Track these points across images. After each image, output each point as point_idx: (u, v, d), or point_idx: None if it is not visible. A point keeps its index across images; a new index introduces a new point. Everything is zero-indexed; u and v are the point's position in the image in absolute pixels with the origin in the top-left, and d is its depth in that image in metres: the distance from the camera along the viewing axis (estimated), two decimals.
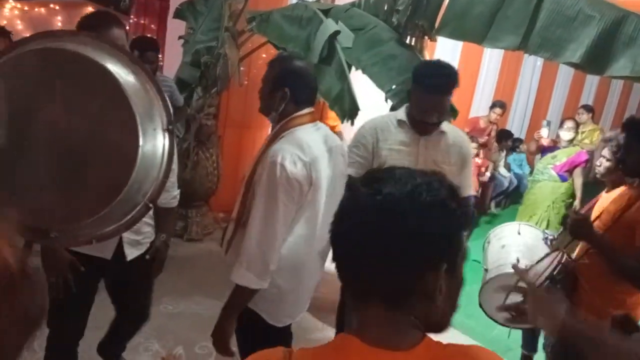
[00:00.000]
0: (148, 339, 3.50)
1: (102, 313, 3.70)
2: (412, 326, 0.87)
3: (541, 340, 3.51)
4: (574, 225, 2.53)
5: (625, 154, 2.51)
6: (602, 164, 3.09)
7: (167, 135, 1.42)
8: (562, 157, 5.56)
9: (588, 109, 7.16)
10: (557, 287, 2.56)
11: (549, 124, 5.93)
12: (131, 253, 2.30)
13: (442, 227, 0.85)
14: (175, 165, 2.17)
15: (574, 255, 2.79)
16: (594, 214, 3.03)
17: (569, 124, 5.65)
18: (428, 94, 2.43)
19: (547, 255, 2.83)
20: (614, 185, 3.07)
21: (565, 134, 5.54)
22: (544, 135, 5.80)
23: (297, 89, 2.03)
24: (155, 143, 1.38)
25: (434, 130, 2.54)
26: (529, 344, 3.61)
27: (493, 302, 2.45)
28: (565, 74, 8.17)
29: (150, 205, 1.41)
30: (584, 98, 8.69)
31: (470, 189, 2.78)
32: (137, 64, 1.41)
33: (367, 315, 0.87)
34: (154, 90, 1.42)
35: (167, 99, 1.48)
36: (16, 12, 5.79)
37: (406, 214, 0.83)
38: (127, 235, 2.20)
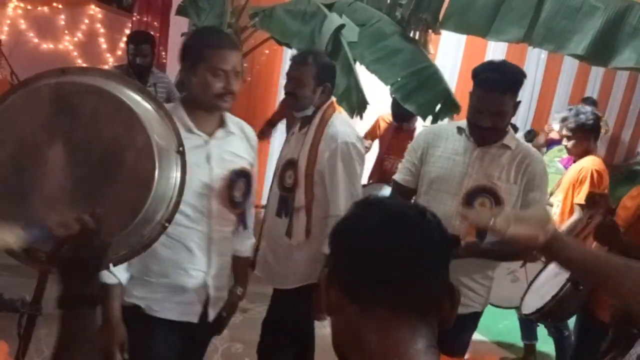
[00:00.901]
0: None
1: None
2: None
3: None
4: (600, 231, 2.48)
5: None
6: (568, 142, 3.42)
7: (179, 157, 1.48)
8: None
9: (590, 102, 7.15)
10: (580, 288, 2.50)
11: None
12: (212, 312, 2.03)
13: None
14: (252, 210, 2.16)
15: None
16: (563, 189, 3.23)
17: None
18: (480, 89, 2.13)
19: None
20: (580, 156, 3.41)
21: None
22: (556, 128, 5.80)
23: (334, 82, 2.32)
24: (170, 164, 1.46)
25: (491, 139, 2.19)
26: (528, 333, 3.61)
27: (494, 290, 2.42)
28: (569, 66, 8.13)
29: (167, 224, 1.47)
30: (589, 90, 8.65)
31: None
32: (144, 93, 1.48)
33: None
34: (163, 114, 1.49)
35: (176, 122, 1.54)
36: (19, 11, 5.82)
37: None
38: (213, 294, 2.00)
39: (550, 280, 2.73)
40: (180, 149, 1.50)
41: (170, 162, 1.45)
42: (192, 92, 1.88)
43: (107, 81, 1.43)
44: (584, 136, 3.36)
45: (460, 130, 2.26)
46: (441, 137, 2.30)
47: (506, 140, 2.19)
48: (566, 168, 5.49)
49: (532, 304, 2.74)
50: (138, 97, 1.45)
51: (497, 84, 2.08)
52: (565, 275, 2.56)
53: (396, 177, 2.35)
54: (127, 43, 4.28)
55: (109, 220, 1.27)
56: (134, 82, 1.53)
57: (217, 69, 1.79)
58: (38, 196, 1.32)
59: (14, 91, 1.40)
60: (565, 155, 5.58)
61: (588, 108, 3.48)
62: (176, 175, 1.48)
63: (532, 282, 2.91)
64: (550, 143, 5.84)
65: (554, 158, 5.58)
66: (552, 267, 2.82)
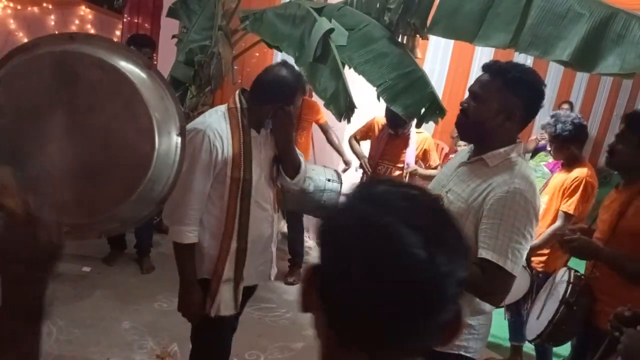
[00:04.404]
0: (142, 336, 3.51)
1: (95, 312, 3.71)
2: None
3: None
4: (574, 249, 2.51)
5: (616, 143, 2.57)
6: (551, 147, 3.46)
7: (180, 139, 1.50)
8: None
9: (570, 104, 7.40)
10: (574, 309, 2.49)
11: None
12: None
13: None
14: None
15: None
16: (549, 191, 3.24)
17: None
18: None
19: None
20: (570, 164, 3.35)
21: None
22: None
23: None
24: (170, 146, 1.46)
25: (476, 148, 1.99)
26: (516, 334, 3.63)
27: None
28: (555, 72, 8.23)
29: (162, 204, 1.49)
30: (573, 95, 8.76)
31: (495, 253, 1.76)
32: (151, 69, 1.48)
33: None
34: (167, 95, 1.47)
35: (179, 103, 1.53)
36: (9, 11, 5.79)
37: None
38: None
39: (545, 302, 2.68)
40: (182, 131, 1.50)
41: (170, 144, 1.43)
42: None
43: (112, 53, 1.38)
44: (562, 144, 3.39)
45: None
46: (456, 157, 2.21)
47: (486, 156, 1.91)
48: (552, 172, 5.60)
49: (533, 329, 2.70)
50: (144, 74, 1.41)
51: (493, 65, 1.92)
52: (558, 297, 2.54)
53: None
54: (128, 45, 4.29)
55: (104, 195, 1.26)
56: (141, 56, 1.47)
57: None
58: (36, 168, 1.29)
59: (14, 54, 1.35)
60: (551, 160, 5.68)
61: (572, 115, 3.49)
62: (175, 157, 1.48)
63: (530, 307, 2.87)
64: (537, 148, 5.93)
65: (540, 162, 5.69)
66: (544, 290, 2.78)
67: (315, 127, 4.95)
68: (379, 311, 0.68)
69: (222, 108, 2.29)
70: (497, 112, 1.85)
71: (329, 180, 4.04)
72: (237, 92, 2.35)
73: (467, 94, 2.01)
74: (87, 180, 1.24)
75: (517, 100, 1.85)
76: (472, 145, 2.06)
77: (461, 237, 0.73)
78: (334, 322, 0.73)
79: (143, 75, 1.40)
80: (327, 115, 4.84)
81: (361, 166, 4.57)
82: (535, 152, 6.02)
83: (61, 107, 1.29)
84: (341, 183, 4.14)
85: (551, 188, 3.43)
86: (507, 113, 1.85)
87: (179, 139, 1.50)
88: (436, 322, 0.70)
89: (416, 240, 0.66)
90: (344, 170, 4.70)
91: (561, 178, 3.42)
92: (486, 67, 1.93)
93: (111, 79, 1.30)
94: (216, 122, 2.24)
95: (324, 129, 4.90)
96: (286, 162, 2.43)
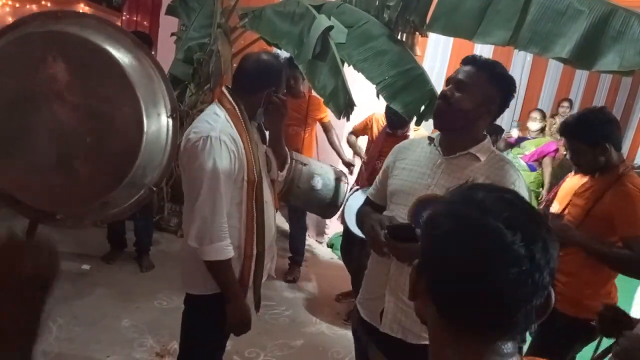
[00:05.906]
0: (142, 334, 3.51)
1: (95, 310, 3.71)
2: None
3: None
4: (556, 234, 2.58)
5: (576, 157, 2.61)
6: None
7: (171, 121, 1.43)
8: (530, 147, 5.79)
9: (570, 101, 7.51)
10: None
11: (518, 124, 6.20)
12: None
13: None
14: None
15: None
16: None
17: (535, 114, 5.92)
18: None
19: None
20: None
21: (532, 125, 5.81)
22: (514, 135, 6.04)
23: None
24: (160, 129, 1.40)
25: (455, 141, 1.96)
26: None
27: None
28: (554, 69, 8.23)
29: (155, 189, 1.43)
30: (573, 92, 8.77)
31: None
32: (141, 49, 1.41)
33: None
34: (158, 76, 1.43)
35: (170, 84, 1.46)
36: (7, 8, 5.79)
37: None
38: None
39: None
40: (173, 114, 1.44)
41: (160, 126, 1.37)
42: None
43: (100, 33, 1.30)
44: None
45: (430, 140, 2.07)
46: (409, 149, 2.12)
47: (475, 150, 1.93)
48: (528, 165, 5.72)
49: None
50: (132, 55, 1.34)
51: (477, 59, 1.93)
52: None
53: (368, 191, 2.30)
54: None
55: (94, 183, 1.22)
56: (130, 35, 1.41)
57: None
58: (25, 151, 1.24)
59: (4, 32, 1.28)
60: (527, 152, 5.78)
61: None
62: (167, 140, 1.42)
63: None
64: (510, 144, 6.04)
65: (517, 155, 5.79)
66: None
67: (317, 125, 4.95)
68: (488, 301, 0.79)
69: (219, 111, 2.09)
70: (480, 104, 1.89)
71: (336, 179, 4.07)
72: (227, 91, 2.16)
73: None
74: (76, 168, 1.20)
75: (497, 96, 1.90)
76: (431, 137, 2.08)
77: (552, 233, 0.84)
78: (445, 312, 0.84)
79: (131, 56, 1.34)
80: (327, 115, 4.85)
81: (361, 162, 4.57)
82: (510, 147, 6.17)
83: (45, 92, 1.23)
84: (347, 184, 4.17)
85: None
86: (487, 106, 1.90)
87: (170, 121, 1.44)
88: (532, 307, 0.81)
89: (516, 239, 0.78)
90: (350, 170, 4.70)
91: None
92: (470, 60, 1.93)
93: (97, 61, 1.24)
94: (226, 125, 2.06)
95: (327, 128, 4.87)
96: (277, 154, 2.36)
